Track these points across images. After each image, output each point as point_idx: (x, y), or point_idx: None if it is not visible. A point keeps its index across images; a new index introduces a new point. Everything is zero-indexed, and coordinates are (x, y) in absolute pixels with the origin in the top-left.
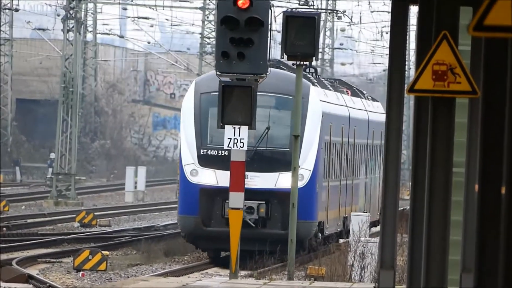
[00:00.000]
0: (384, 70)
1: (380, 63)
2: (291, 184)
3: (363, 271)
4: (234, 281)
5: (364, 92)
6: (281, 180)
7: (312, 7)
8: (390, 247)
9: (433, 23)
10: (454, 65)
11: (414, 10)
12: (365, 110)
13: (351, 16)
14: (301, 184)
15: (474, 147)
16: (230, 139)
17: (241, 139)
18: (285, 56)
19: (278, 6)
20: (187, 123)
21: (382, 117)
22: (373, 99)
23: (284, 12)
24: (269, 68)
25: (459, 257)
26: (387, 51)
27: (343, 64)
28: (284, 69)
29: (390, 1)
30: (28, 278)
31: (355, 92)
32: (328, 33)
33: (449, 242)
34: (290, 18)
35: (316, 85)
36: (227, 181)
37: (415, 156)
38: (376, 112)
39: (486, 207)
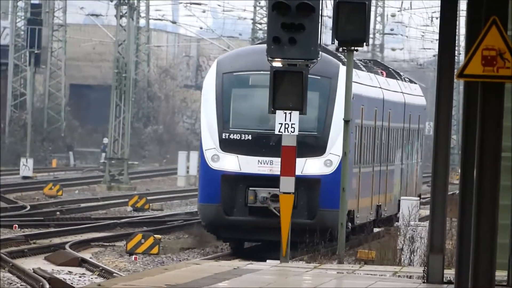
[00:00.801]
0: (434, 56)
1: (430, 48)
2: (342, 169)
3: (412, 255)
4: (285, 264)
5: (401, 73)
6: (308, 166)
7: None
8: (439, 232)
9: (483, 9)
10: (503, 50)
11: None
12: (401, 92)
13: (401, 2)
14: (329, 170)
15: None
16: (281, 124)
17: (292, 124)
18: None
19: None
20: (208, 105)
21: (420, 100)
22: (411, 81)
23: None
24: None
25: (508, 241)
26: (437, 37)
27: (393, 49)
28: None
29: None
30: (81, 262)
31: (391, 73)
32: (378, 18)
33: (498, 226)
34: (341, 3)
35: None
36: (250, 167)
37: (464, 140)
38: (414, 94)
39: None
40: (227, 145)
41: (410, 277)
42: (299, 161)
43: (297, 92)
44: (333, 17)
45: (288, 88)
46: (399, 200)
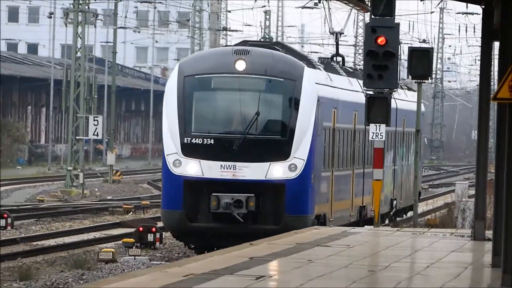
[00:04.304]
0: (477, 85)
1: (474, 80)
2: (414, 165)
3: (464, 221)
4: (377, 228)
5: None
6: (273, 171)
7: (427, 43)
8: (482, 205)
9: (510, 53)
10: None
11: (496, 44)
12: (392, 98)
13: (454, 49)
14: (293, 175)
15: None
16: (373, 132)
17: (380, 133)
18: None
19: (405, 43)
20: (170, 109)
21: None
22: (409, 89)
23: (409, 47)
24: (264, 49)
25: None
26: (479, 72)
27: (449, 81)
28: (279, 50)
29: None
30: None
31: None
32: (439, 60)
33: None
34: (413, 50)
35: (318, 67)
36: (213, 172)
37: (497, 143)
38: (410, 100)
39: None
40: (189, 150)
41: (462, 236)
42: (263, 166)
43: (383, 111)
44: (408, 59)
45: (377, 108)
46: (392, 199)
